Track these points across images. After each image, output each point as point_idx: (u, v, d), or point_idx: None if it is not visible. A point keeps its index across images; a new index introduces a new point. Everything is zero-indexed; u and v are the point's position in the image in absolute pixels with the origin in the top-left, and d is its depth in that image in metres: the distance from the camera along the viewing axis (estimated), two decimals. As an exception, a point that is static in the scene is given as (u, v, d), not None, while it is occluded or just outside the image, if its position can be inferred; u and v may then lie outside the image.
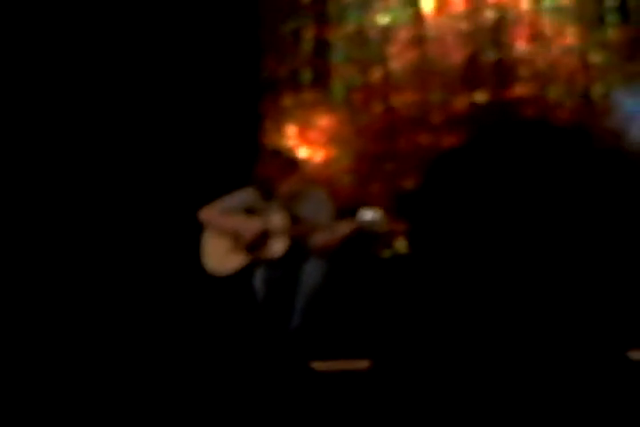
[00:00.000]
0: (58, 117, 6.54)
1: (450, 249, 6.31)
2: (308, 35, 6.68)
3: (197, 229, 5.59)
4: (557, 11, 6.40)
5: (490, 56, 6.47)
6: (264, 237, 5.39)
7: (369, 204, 6.26)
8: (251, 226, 5.42)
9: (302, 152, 6.56)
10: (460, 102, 6.52)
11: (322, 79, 6.67)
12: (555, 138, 6.39)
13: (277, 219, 5.38)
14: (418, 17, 6.55)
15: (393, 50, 6.60)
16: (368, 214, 5.15)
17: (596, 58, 6.36)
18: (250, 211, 5.50)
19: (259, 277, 5.37)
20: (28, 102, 6.52)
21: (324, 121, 6.67)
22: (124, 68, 6.57)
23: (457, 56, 6.51)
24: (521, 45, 6.44)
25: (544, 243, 6.20)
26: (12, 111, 6.50)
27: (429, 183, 6.51)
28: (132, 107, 6.55)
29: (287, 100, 6.69)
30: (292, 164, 5.53)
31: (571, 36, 6.39)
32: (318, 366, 4.82)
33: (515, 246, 6.21)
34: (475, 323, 5.52)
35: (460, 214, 6.35)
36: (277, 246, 5.35)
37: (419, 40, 6.56)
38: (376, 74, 6.62)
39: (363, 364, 4.83)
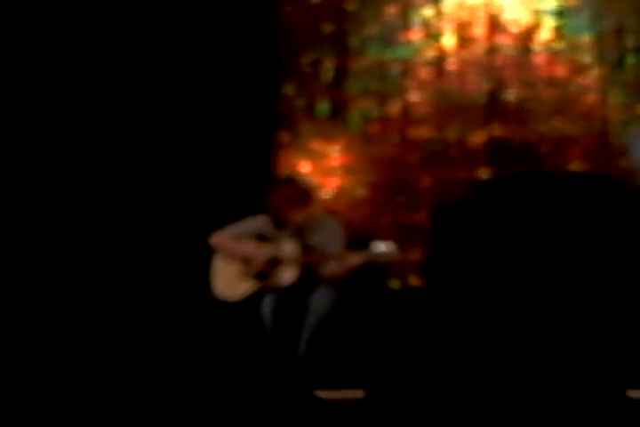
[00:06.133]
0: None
1: (462, 285, 6.31)
2: (328, 65, 6.70)
3: (207, 254, 5.57)
4: (578, 50, 6.44)
5: (510, 93, 6.49)
6: (274, 264, 5.36)
7: (380, 235, 6.26)
8: (261, 253, 5.40)
9: (316, 181, 6.56)
10: (478, 138, 6.53)
11: (339, 110, 6.69)
12: (570, 176, 6.41)
13: (288, 247, 5.36)
14: (439, 51, 6.57)
15: (412, 83, 6.62)
16: (381, 247, 5.14)
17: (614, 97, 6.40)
18: (261, 238, 5.47)
19: (267, 305, 5.35)
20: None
21: (339, 151, 6.67)
22: (142, 99, 6.60)
23: (476, 92, 6.53)
24: (540, 83, 6.46)
25: (553, 283, 6.19)
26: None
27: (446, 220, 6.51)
28: (151, 132, 6.58)
29: (304, 129, 6.71)
30: (305, 193, 5.49)
31: (590, 75, 6.43)
32: (322, 394, 4.81)
33: (523, 286, 6.21)
34: (477, 359, 5.50)
35: (476, 252, 6.35)
36: (287, 275, 5.32)
37: (439, 74, 6.58)
38: (394, 106, 6.63)
39: (358, 393, 4.82)
